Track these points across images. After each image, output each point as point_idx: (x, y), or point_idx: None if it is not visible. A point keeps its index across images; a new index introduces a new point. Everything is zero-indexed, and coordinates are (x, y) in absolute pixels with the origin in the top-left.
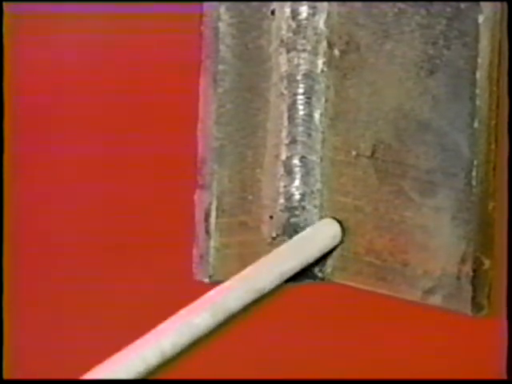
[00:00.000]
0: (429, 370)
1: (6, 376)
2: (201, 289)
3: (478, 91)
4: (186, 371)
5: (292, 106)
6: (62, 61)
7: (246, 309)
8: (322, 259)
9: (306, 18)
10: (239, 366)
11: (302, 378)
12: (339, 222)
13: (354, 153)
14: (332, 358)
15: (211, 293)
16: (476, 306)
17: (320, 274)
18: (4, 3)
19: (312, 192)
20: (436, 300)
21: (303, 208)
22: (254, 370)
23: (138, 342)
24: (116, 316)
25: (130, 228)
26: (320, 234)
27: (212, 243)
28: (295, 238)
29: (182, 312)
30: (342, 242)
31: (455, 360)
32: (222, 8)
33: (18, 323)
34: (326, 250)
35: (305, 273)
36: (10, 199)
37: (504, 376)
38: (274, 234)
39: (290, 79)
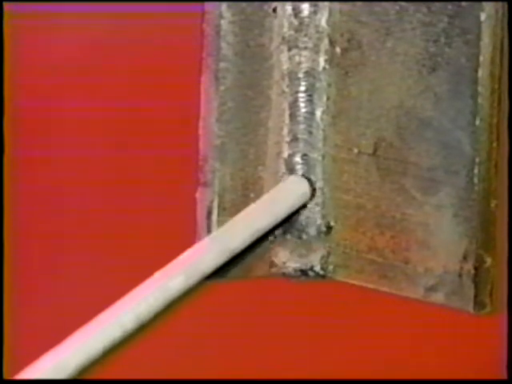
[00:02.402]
0: (429, 370)
1: (5, 376)
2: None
3: (479, 89)
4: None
5: (293, 104)
6: (62, 61)
7: (219, 269)
8: (293, 219)
9: (308, 16)
10: (238, 364)
11: (301, 378)
12: (308, 179)
13: (355, 150)
14: (332, 356)
15: (184, 255)
16: (478, 303)
17: (322, 272)
18: (4, 3)
19: (313, 190)
20: (438, 298)
21: (305, 206)
22: (252, 369)
23: (114, 307)
24: None
25: (131, 226)
26: (289, 192)
27: None
28: (264, 196)
29: (157, 275)
30: (311, 199)
31: (455, 360)
32: (224, 6)
33: (18, 323)
34: (295, 207)
35: (307, 271)
36: (9, 200)
37: (504, 376)
38: (275, 232)
39: (292, 77)
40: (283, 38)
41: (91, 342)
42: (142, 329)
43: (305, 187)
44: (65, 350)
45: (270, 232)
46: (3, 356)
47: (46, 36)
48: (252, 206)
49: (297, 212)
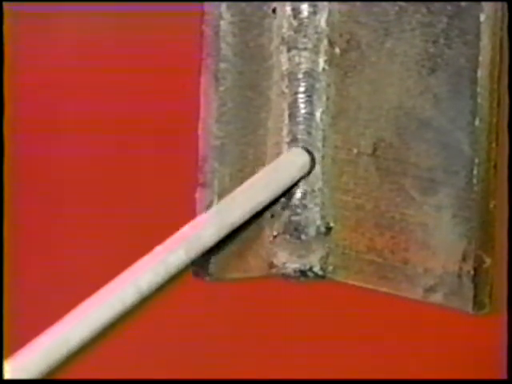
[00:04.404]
0: (429, 370)
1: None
2: (202, 287)
3: (478, 89)
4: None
5: (293, 105)
6: (62, 60)
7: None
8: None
9: (307, 17)
10: (238, 364)
11: (301, 378)
12: (308, 152)
13: (354, 151)
14: (332, 356)
15: (185, 229)
16: (477, 304)
17: (321, 273)
18: (4, 3)
19: (313, 190)
20: (437, 298)
21: (304, 206)
22: (252, 369)
23: (115, 282)
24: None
25: (130, 227)
26: (288, 165)
27: None
28: (263, 169)
29: (157, 249)
30: (310, 172)
31: (455, 360)
32: (223, 6)
33: (18, 323)
34: (294, 180)
35: (306, 271)
36: (9, 200)
37: (504, 376)
38: (275, 233)
39: (291, 77)
40: (283, 39)
41: (92, 317)
42: (143, 302)
43: (304, 159)
44: (67, 325)
45: (270, 231)
46: (3, 355)
47: (46, 36)
48: (251, 180)
49: (296, 184)
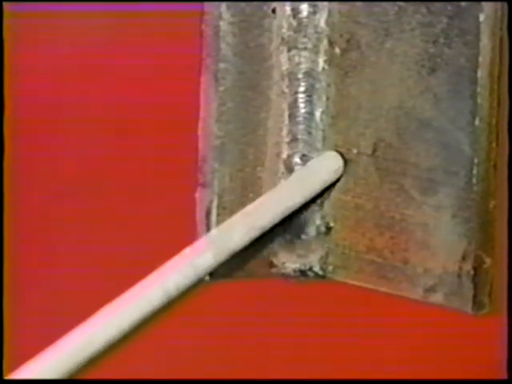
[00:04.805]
0: (429, 370)
1: (6, 376)
2: (202, 287)
3: (479, 89)
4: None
5: (293, 105)
6: (62, 61)
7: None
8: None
9: (307, 17)
10: (238, 364)
11: (302, 378)
12: (341, 154)
13: (354, 151)
14: (332, 356)
15: (213, 231)
16: (477, 304)
17: (321, 273)
18: (4, 3)
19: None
20: (437, 298)
21: (304, 206)
22: (252, 369)
23: (142, 284)
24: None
25: (129, 226)
26: (321, 168)
27: None
28: (296, 173)
29: (186, 251)
30: (342, 176)
31: (455, 360)
32: (223, 7)
33: (18, 323)
34: (326, 184)
35: (306, 271)
36: (9, 201)
37: (504, 376)
38: (275, 232)
39: (291, 77)
40: (282, 39)
41: (119, 317)
42: (171, 304)
43: (338, 162)
44: (93, 325)
45: (270, 231)
46: (3, 355)
47: (46, 36)
48: (284, 183)
49: (329, 187)
